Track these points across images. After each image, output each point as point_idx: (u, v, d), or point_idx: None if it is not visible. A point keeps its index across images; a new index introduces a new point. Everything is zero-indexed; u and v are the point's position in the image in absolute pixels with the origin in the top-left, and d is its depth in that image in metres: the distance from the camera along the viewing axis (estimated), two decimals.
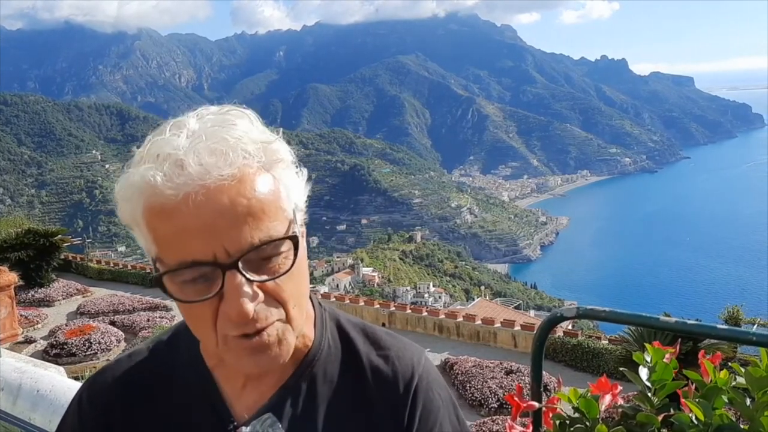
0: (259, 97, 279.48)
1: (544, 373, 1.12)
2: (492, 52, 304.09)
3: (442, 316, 16.17)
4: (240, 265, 0.69)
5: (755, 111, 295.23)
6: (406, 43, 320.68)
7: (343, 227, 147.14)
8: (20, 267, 16.72)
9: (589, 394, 0.95)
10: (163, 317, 15.97)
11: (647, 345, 0.96)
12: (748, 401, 0.89)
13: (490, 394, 11.33)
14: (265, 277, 0.71)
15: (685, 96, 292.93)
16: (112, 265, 23.48)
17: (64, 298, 18.62)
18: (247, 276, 0.70)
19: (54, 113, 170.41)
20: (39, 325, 15.91)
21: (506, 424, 0.98)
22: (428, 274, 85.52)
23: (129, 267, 22.78)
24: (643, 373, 0.94)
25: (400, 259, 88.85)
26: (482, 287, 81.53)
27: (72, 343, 13.59)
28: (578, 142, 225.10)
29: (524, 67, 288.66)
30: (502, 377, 11.87)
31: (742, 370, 0.91)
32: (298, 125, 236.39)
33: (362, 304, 17.87)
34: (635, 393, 1.00)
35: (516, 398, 0.96)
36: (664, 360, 0.93)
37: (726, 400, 0.90)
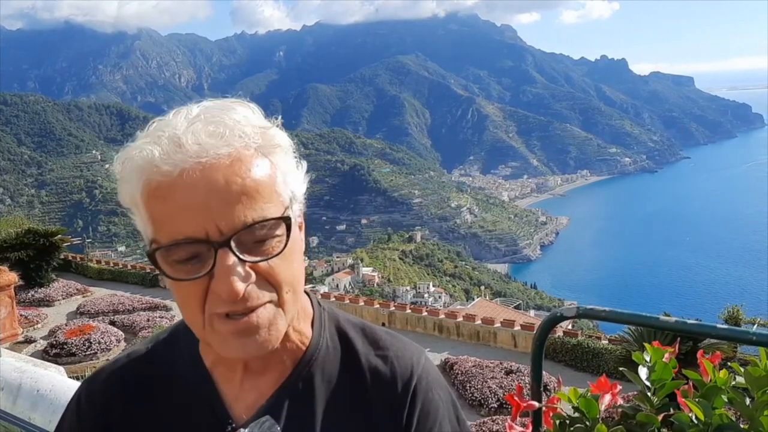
0: (259, 97, 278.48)
1: (544, 372, 1.12)
2: (492, 52, 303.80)
3: (442, 316, 16.17)
4: (232, 244, 0.69)
5: (755, 111, 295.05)
6: (406, 43, 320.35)
7: (342, 227, 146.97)
8: (20, 267, 16.75)
9: (589, 394, 0.95)
10: (163, 317, 15.97)
11: (647, 345, 0.96)
12: (747, 401, 0.89)
13: (490, 394, 11.34)
14: (257, 258, 0.71)
15: (685, 96, 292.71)
16: (111, 265, 23.50)
17: (64, 298, 18.62)
18: (240, 256, 0.69)
19: (54, 113, 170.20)
20: (39, 325, 15.92)
21: (506, 424, 0.98)
22: (428, 274, 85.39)
23: (129, 267, 22.81)
24: (643, 372, 0.95)
25: (400, 259, 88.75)
26: (482, 287, 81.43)
27: (72, 343, 13.61)
28: (578, 142, 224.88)
29: (524, 67, 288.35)
30: (502, 377, 11.89)
31: (742, 369, 0.91)
32: (298, 125, 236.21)
33: (362, 304, 17.89)
34: (635, 393, 1.00)
35: (516, 398, 0.96)
36: (664, 360, 0.94)
37: (726, 400, 0.90)
